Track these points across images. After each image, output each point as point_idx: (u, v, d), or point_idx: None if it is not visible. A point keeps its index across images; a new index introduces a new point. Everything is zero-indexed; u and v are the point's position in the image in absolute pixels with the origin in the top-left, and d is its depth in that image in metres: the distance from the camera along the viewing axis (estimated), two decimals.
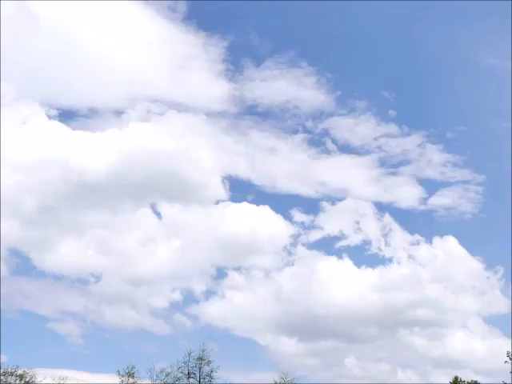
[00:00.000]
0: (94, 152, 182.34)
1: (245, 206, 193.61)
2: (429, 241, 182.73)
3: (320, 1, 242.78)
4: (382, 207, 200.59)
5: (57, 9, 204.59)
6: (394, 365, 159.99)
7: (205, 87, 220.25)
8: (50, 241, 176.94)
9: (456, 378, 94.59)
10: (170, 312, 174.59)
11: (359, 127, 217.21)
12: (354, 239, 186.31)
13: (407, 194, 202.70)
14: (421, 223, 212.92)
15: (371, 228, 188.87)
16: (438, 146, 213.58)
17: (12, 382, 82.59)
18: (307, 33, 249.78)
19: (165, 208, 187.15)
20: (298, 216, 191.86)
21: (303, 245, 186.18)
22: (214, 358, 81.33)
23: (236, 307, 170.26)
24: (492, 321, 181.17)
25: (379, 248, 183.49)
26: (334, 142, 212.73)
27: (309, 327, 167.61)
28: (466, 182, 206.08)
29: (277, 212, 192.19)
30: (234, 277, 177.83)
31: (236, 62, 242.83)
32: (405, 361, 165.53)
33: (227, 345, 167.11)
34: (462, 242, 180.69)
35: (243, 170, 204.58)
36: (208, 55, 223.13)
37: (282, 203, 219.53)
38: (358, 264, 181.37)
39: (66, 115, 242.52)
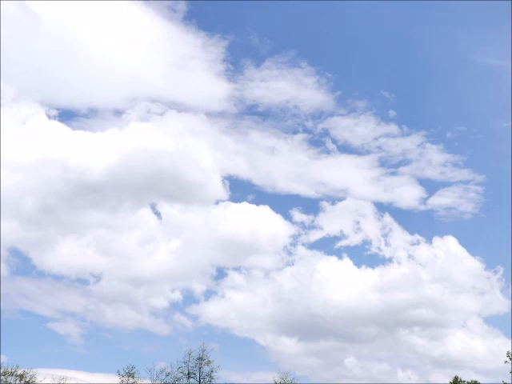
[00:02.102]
0: (94, 152, 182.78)
1: (245, 205, 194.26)
2: (429, 241, 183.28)
3: (320, 1, 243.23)
4: (382, 207, 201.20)
5: (57, 9, 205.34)
6: (393, 365, 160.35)
7: (205, 87, 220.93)
8: (50, 241, 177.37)
9: (456, 378, 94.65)
10: (169, 312, 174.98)
11: (359, 127, 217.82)
12: (354, 239, 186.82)
13: (407, 193, 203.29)
14: (421, 223, 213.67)
15: (371, 228, 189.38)
16: (437, 145, 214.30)
17: (12, 381, 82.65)
18: (307, 33, 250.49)
19: (165, 208, 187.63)
20: (298, 216, 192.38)
21: (303, 245, 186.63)
22: (214, 358, 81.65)
23: (236, 307, 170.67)
24: (492, 321, 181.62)
25: (379, 248, 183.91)
26: (334, 142, 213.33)
27: (309, 327, 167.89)
28: (466, 182, 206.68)
29: (277, 212, 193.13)
30: (234, 277, 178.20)
31: (236, 61, 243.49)
32: (405, 361, 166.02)
33: (227, 345, 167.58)
34: (462, 242, 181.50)
35: (243, 170, 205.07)
36: (208, 55, 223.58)
37: (282, 203, 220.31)
38: (358, 264, 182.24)
39: (66, 115, 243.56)
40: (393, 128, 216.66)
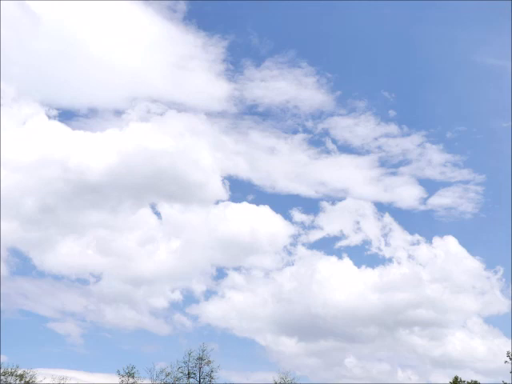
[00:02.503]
0: (94, 152, 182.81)
1: (245, 205, 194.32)
2: (429, 241, 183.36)
3: (320, 1, 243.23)
4: (382, 207, 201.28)
5: (57, 9, 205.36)
6: (394, 365, 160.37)
7: (205, 87, 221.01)
8: (50, 241, 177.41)
9: (456, 378, 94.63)
10: (169, 312, 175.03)
11: (359, 127, 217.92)
12: (354, 239, 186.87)
13: (407, 193, 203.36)
14: (421, 223, 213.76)
15: (371, 228, 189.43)
16: (437, 145, 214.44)
17: (12, 381, 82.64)
18: (307, 33, 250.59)
19: (165, 208, 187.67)
20: (298, 216, 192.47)
21: (303, 245, 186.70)
22: (214, 358, 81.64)
23: (236, 307, 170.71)
24: (492, 321, 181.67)
25: (379, 248, 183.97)
26: (334, 142, 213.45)
27: (309, 327, 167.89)
28: (466, 182, 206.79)
29: (277, 212, 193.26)
30: (234, 277, 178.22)
31: (236, 62, 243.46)
32: (405, 361, 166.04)
33: (227, 345, 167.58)
34: (462, 242, 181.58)
35: (243, 170, 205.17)
36: (208, 55, 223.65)
37: (282, 203, 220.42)
38: (358, 264, 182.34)
39: (66, 115, 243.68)
40: (393, 128, 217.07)
